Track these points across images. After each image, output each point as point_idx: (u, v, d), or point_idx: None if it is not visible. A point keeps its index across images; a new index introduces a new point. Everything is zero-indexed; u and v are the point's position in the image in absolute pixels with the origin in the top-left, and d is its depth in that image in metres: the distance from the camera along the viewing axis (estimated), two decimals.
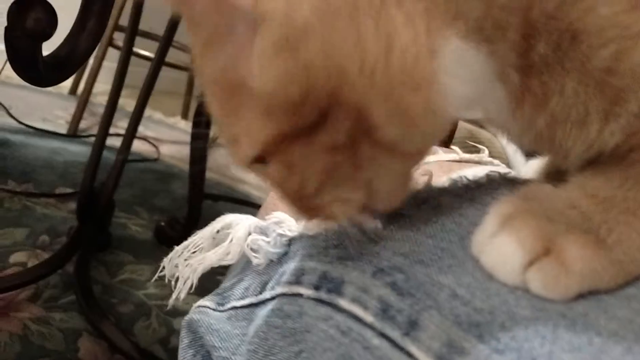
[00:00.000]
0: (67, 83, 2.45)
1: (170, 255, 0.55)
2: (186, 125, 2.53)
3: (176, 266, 0.54)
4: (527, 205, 0.36)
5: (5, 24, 0.44)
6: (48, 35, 0.45)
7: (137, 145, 1.83)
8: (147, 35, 2.16)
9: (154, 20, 1.73)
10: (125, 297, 1.12)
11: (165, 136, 2.24)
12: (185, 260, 0.53)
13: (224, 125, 0.37)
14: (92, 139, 1.85)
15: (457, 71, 0.33)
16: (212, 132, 1.59)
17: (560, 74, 0.33)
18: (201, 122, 1.41)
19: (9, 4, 0.44)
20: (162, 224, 1.37)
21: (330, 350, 0.37)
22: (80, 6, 0.52)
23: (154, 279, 0.56)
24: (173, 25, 1.21)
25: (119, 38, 1.98)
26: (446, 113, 0.34)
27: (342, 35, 0.31)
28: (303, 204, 0.38)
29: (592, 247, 0.33)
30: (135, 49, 1.45)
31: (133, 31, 1.17)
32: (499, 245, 0.34)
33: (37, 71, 0.48)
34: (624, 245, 0.33)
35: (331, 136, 0.33)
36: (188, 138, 2.20)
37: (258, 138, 0.35)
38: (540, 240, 0.33)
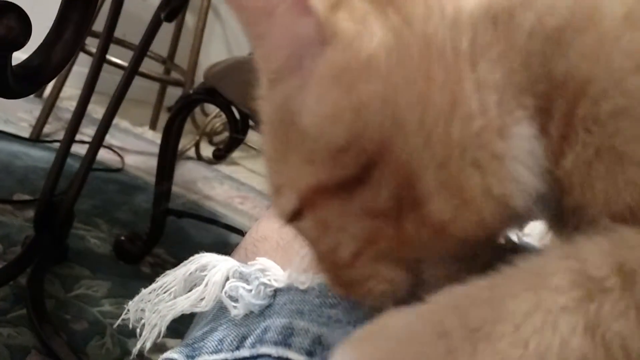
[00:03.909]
0: None
1: (136, 298, 0.50)
2: (154, 136, 2.48)
3: (142, 310, 0.49)
4: (379, 351, 0.28)
5: None
6: (20, 45, 0.41)
7: (101, 154, 1.77)
8: (119, 42, 2.12)
9: (127, 27, 1.69)
10: (79, 313, 1.07)
11: (131, 146, 2.19)
12: (154, 304, 0.49)
13: (271, 172, 0.34)
14: (55, 144, 1.81)
15: (527, 159, 0.29)
16: (181, 145, 1.56)
17: None
18: (171, 135, 1.39)
19: None
20: (122, 238, 1.33)
21: None
22: (57, 14, 0.49)
23: (116, 324, 0.52)
24: (149, 35, 1.18)
25: (91, 43, 1.93)
26: (510, 204, 0.29)
27: (408, 80, 0.28)
28: (338, 274, 0.34)
29: None
30: (107, 56, 1.41)
31: (108, 38, 1.13)
32: None
33: (5, 82, 0.45)
34: None
35: (373, 197, 0.30)
36: (155, 149, 2.15)
37: (297, 187, 0.32)
38: None
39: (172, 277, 0.49)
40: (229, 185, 2.24)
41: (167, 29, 2.39)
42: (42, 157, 1.69)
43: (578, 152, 0.28)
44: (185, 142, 2.40)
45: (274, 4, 0.31)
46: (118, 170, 1.86)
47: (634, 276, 0.24)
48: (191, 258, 0.49)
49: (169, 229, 1.36)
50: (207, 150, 2.54)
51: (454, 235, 0.30)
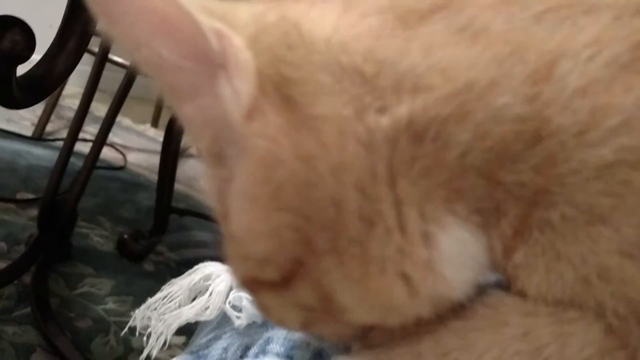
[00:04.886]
0: None
1: (143, 307, 0.52)
2: (156, 134, 2.48)
3: (149, 318, 0.51)
4: None
5: None
6: (25, 58, 0.42)
7: (103, 152, 1.78)
8: None
9: None
10: (83, 311, 1.08)
11: (133, 144, 2.20)
12: (160, 314, 0.50)
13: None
14: (58, 143, 1.82)
15: (459, 259, 0.29)
16: (183, 142, 1.57)
17: None
18: (173, 132, 1.39)
19: None
20: (126, 236, 1.34)
21: None
22: (61, 25, 0.49)
23: (124, 331, 0.54)
24: None
25: (93, 42, 1.93)
26: (444, 299, 0.30)
27: (321, 208, 0.28)
28: None
29: None
30: (109, 55, 1.41)
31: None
32: None
33: (10, 93, 0.45)
34: None
35: (299, 299, 0.31)
36: (157, 147, 2.15)
37: (237, 272, 0.33)
38: None
39: (178, 287, 0.50)
40: None
41: None
42: (45, 155, 1.70)
43: (529, 247, 0.29)
44: (187, 139, 2.40)
45: (197, 88, 0.30)
46: (120, 168, 1.87)
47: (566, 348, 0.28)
48: (195, 267, 0.50)
49: (172, 227, 1.37)
50: None
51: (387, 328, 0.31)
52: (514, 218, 0.28)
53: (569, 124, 0.26)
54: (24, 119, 2.03)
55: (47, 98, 1.98)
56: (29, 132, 1.89)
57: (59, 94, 1.97)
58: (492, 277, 0.33)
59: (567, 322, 0.28)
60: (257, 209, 0.29)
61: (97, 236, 1.36)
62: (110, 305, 1.13)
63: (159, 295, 0.51)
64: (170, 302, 0.50)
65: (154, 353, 0.49)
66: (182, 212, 1.48)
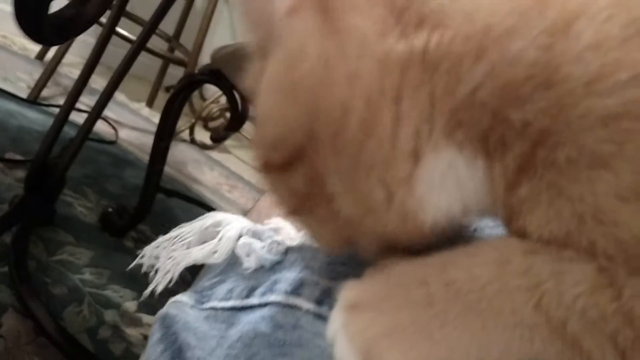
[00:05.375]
0: (36, 47, 2.37)
1: (153, 244, 0.54)
2: (149, 114, 2.47)
3: (157, 257, 0.52)
4: (373, 290, 0.34)
5: None
6: None
7: (96, 124, 1.78)
8: (127, 15, 2.11)
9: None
10: (60, 278, 1.07)
11: (126, 120, 2.19)
12: (170, 252, 0.51)
13: None
14: (52, 108, 1.80)
15: (437, 182, 0.32)
16: (177, 126, 1.56)
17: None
18: (170, 112, 1.38)
19: None
20: (110, 210, 1.33)
21: None
22: None
23: (129, 267, 0.55)
24: (161, 11, 1.18)
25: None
26: (417, 222, 0.33)
27: (330, 108, 0.31)
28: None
29: (406, 351, 0.31)
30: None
31: (119, 10, 1.13)
32: (339, 347, 0.33)
33: (40, 28, 0.46)
34: (450, 344, 0.30)
35: (293, 182, 0.35)
36: (149, 126, 2.15)
37: (256, 157, 0.37)
38: (362, 352, 0.32)
39: (189, 229, 0.52)
40: (218, 172, 2.24)
41: (175, 8, 2.39)
42: (37, 119, 1.68)
43: (533, 183, 0.31)
44: (180, 124, 2.40)
45: None
46: (111, 142, 1.86)
47: (561, 284, 0.29)
48: (207, 214, 0.52)
49: (157, 207, 1.36)
50: (200, 135, 2.54)
51: (365, 233, 0.35)
52: (519, 154, 0.30)
53: (579, 74, 0.28)
54: (20, 80, 2.01)
55: (47, 63, 1.97)
56: (24, 94, 1.86)
57: (59, 61, 1.95)
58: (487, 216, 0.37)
59: (565, 260, 0.30)
60: (276, 96, 0.33)
61: (81, 206, 1.36)
62: (87, 276, 1.12)
63: (169, 235, 0.53)
64: (180, 242, 0.52)
65: (159, 289, 0.50)
66: (170, 193, 1.47)
